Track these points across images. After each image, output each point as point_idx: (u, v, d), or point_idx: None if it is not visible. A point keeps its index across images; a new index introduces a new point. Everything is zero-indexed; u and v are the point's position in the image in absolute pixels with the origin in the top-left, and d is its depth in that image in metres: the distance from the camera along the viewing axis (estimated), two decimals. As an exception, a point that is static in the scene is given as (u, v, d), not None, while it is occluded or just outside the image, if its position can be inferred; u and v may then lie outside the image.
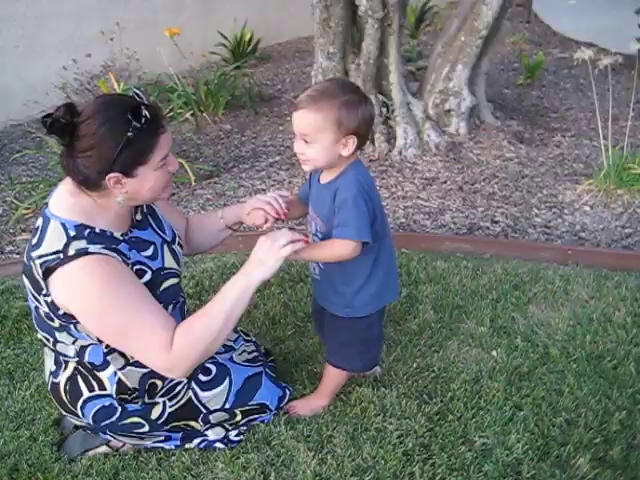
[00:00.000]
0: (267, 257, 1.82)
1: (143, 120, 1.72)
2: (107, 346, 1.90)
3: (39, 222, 1.82)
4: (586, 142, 4.42)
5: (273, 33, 7.51)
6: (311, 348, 2.62)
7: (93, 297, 1.75)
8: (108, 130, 1.70)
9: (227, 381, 2.11)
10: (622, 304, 2.77)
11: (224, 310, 1.84)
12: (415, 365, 2.48)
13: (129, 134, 1.70)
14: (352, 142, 1.83)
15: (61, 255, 1.72)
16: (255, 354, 2.34)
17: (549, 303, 2.81)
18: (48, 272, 1.74)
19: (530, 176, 3.98)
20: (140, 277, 1.88)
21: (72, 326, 1.84)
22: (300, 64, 6.70)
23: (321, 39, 4.34)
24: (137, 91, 1.83)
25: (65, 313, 1.80)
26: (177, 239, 2.14)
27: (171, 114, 5.11)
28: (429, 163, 4.18)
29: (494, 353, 2.53)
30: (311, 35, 7.50)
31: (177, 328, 1.82)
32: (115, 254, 1.80)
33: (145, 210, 2.06)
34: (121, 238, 1.88)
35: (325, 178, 1.96)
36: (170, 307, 2.03)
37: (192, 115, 5.17)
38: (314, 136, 1.82)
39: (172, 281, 2.02)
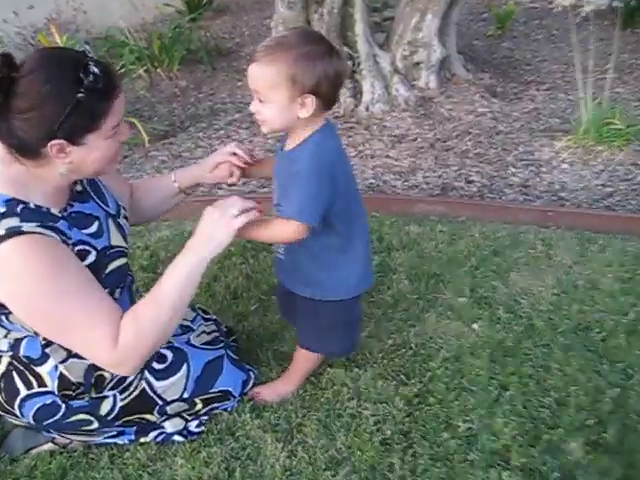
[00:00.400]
0: (217, 230, 1.60)
1: (96, 79, 1.47)
2: (45, 338, 1.66)
3: None
4: (561, 96, 4.22)
5: (230, -17, 7.14)
6: (277, 325, 2.42)
7: (26, 284, 1.51)
8: (55, 88, 1.44)
9: (185, 368, 1.90)
10: (608, 270, 2.60)
11: (173, 293, 1.62)
12: (391, 342, 2.29)
13: (79, 95, 1.44)
14: (310, 102, 1.57)
15: None
16: (215, 334, 2.13)
17: (531, 270, 2.64)
18: None
19: (505, 132, 3.78)
20: (83, 259, 1.64)
21: (4, 317, 1.61)
22: (259, 16, 6.36)
23: (281, -13, 4.04)
24: (86, 47, 1.56)
25: None
26: (122, 211, 1.89)
27: (122, 70, 4.77)
28: (398, 119, 3.94)
29: (475, 326, 2.35)
30: (270, -15, 7.24)
31: (123, 318, 1.59)
32: (53, 233, 1.55)
33: (85, 180, 1.81)
34: (60, 215, 1.63)
35: (289, 145, 1.73)
36: (117, 291, 1.79)
37: (145, 71, 4.87)
38: (267, 93, 1.58)
39: (120, 261, 1.78)
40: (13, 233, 1.47)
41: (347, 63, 1.43)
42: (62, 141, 1.48)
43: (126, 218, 1.91)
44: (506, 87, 4.29)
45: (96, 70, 1.47)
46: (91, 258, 1.66)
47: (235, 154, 1.97)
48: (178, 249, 2.88)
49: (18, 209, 1.51)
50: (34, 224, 1.51)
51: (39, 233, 1.51)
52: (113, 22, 5.33)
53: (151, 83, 4.87)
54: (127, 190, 2.05)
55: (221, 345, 2.07)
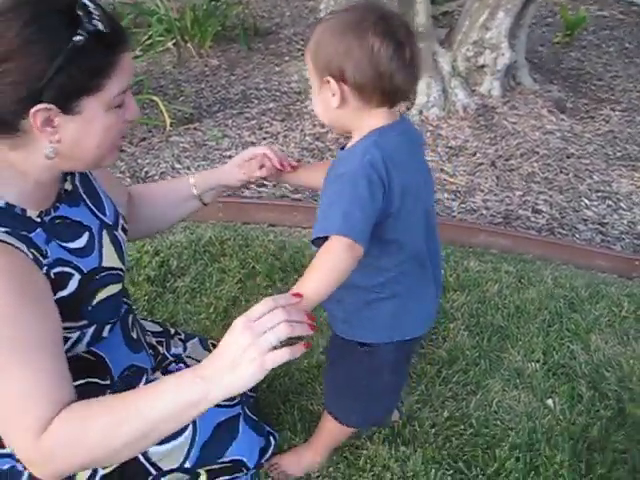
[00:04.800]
0: (243, 364, 1.02)
1: (99, 22, 1.03)
2: None
3: None
4: (639, 119, 3.72)
5: (274, -42, 6.65)
6: (306, 372, 1.97)
7: None
8: (43, 29, 1.00)
9: (190, 430, 1.46)
10: None
11: (146, 422, 1.06)
12: (446, 414, 1.85)
13: (77, 38, 1.01)
14: (335, 87, 1.21)
15: None
16: (231, 384, 1.67)
17: (617, 334, 2.17)
18: None
19: (576, 156, 3.30)
20: (61, 286, 1.18)
21: None
22: (302, -4, 5.87)
23: (336, -35, 3.56)
24: None
25: None
26: (121, 221, 1.44)
27: (149, 41, 4.33)
28: (455, 128, 3.46)
29: (550, 402, 1.91)
30: (317, -35, 6.74)
31: (65, 410, 1.07)
32: (24, 246, 1.10)
33: (78, 177, 1.35)
34: (38, 220, 1.17)
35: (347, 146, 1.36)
36: (107, 328, 1.34)
37: (174, 45, 4.40)
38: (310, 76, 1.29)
39: (113, 288, 1.32)
40: None
41: (407, 50, 1.04)
42: (50, 105, 1.04)
43: (125, 231, 1.45)
44: (577, 103, 3.80)
45: (97, 12, 1.04)
46: (73, 285, 1.20)
47: (266, 156, 1.58)
48: (192, 258, 2.53)
49: None
50: (1, 230, 1.07)
51: (5, 242, 1.07)
52: (145, -13, 4.90)
53: (179, 58, 4.41)
54: (124, 196, 1.59)
55: (237, 400, 1.63)
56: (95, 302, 1.27)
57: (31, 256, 1.11)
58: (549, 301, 2.28)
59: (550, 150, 3.32)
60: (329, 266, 1.15)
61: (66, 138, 1.10)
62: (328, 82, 1.21)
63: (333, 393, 1.61)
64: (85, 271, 1.25)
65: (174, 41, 4.41)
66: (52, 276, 1.17)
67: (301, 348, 1.05)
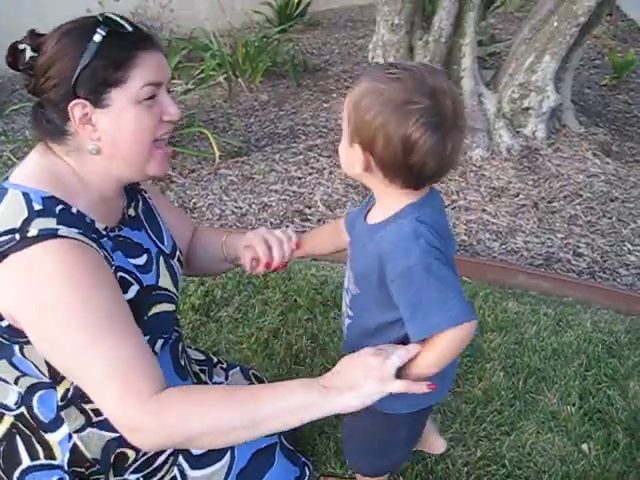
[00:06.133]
0: (366, 381, 1.12)
1: (119, 24, 1.23)
2: (63, 396, 1.29)
3: None
4: (686, 165, 3.71)
5: (325, -3, 6.83)
6: (342, 406, 2.01)
7: (50, 294, 1.12)
8: (73, 37, 1.20)
9: (228, 456, 1.52)
10: None
11: (260, 411, 1.14)
12: (479, 453, 1.87)
13: (95, 37, 1.18)
14: (361, 157, 1.14)
15: (17, 235, 1.13)
16: (271, 413, 1.73)
17: (656, 381, 2.17)
18: None
19: (620, 200, 3.30)
20: (122, 291, 1.26)
21: (17, 348, 1.22)
22: (352, 35, 6.00)
23: (385, 7, 3.66)
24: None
25: (10, 325, 1.18)
26: (178, 253, 1.53)
27: (201, 75, 4.48)
28: (498, 169, 3.49)
29: (585, 447, 1.91)
30: (366, 4, 6.87)
31: (181, 387, 1.20)
32: (95, 245, 1.21)
33: (141, 206, 1.48)
34: (104, 232, 1.29)
35: (374, 216, 1.28)
36: (159, 343, 1.41)
37: (225, 79, 4.54)
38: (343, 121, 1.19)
39: (167, 307, 1.40)
40: (47, 236, 1.13)
41: (450, 143, 1.10)
42: (84, 101, 1.18)
43: (180, 262, 1.54)
44: (622, 146, 3.80)
45: (117, 17, 1.24)
46: (132, 292, 1.30)
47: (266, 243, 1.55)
48: (236, 289, 2.60)
49: (57, 209, 1.18)
50: (74, 230, 1.17)
51: (79, 240, 1.17)
52: (199, 23, 5.10)
53: (230, 93, 4.55)
54: (188, 231, 1.68)
55: (276, 429, 1.69)
56: (151, 313, 1.35)
57: (101, 254, 1.21)
58: (587, 345, 2.29)
59: (594, 193, 3.33)
60: (447, 351, 1.15)
61: (104, 135, 1.22)
62: (358, 148, 1.14)
63: (348, 441, 1.66)
64: (144, 284, 1.34)
65: (225, 76, 4.55)
66: (116, 277, 1.26)
67: (423, 387, 1.15)
